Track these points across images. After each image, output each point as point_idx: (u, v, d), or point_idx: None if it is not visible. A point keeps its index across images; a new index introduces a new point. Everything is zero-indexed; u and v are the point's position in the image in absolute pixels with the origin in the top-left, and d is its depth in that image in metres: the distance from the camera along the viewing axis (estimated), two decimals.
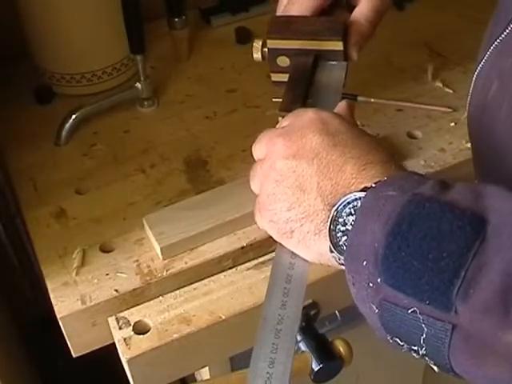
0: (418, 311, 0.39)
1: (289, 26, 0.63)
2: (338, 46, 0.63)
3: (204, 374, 0.85)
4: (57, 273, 0.73)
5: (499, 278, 0.37)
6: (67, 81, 0.98)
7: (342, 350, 0.70)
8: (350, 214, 0.44)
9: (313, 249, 0.48)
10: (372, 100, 0.93)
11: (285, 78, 0.64)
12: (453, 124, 0.90)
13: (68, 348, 0.73)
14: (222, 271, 0.75)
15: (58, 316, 0.69)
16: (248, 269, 0.74)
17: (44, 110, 0.97)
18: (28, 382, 1.25)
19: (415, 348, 0.41)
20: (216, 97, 0.98)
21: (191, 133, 0.92)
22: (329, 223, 0.45)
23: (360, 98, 0.94)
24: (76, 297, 0.71)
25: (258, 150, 0.54)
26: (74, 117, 0.91)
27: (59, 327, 0.71)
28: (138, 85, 0.94)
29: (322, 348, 0.71)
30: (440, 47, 1.03)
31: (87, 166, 0.87)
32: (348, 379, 0.77)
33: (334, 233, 0.45)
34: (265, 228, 0.52)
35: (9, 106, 0.97)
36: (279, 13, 0.67)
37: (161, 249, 0.73)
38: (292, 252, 0.51)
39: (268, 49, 0.64)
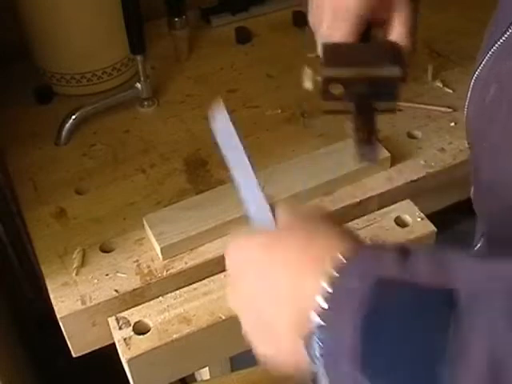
0: None
1: (343, 53, 0.61)
2: (396, 72, 0.60)
3: (204, 374, 0.85)
4: (57, 273, 0.73)
5: (483, 365, 0.34)
6: (67, 81, 0.98)
7: None
8: (322, 326, 0.40)
9: (293, 363, 0.46)
10: None
11: (337, 106, 0.61)
12: (453, 124, 0.90)
13: (68, 348, 0.73)
14: (222, 271, 0.75)
15: (58, 316, 0.69)
16: None
17: (44, 110, 0.97)
18: (28, 382, 1.25)
19: None
20: (216, 97, 0.98)
21: (191, 133, 0.92)
22: (304, 343, 0.42)
23: None
24: (76, 297, 0.71)
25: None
26: (73, 117, 0.91)
27: (59, 327, 0.71)
28: (138, 85, 0.94)
29: None
30: (440, 47, 1.03)
31: (87, 166, 0.87)
32: None
33: (310, 351, 0.42)
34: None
35: (9, 106, 0.97)
36: (320, 38, 0.64)
37: (161, 249, 0.73)
38: None
39: (323, 77, 0.60)
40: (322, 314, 0.40)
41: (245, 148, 0.57)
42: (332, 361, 0.40)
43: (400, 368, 0.36)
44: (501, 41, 0.53)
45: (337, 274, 0.40)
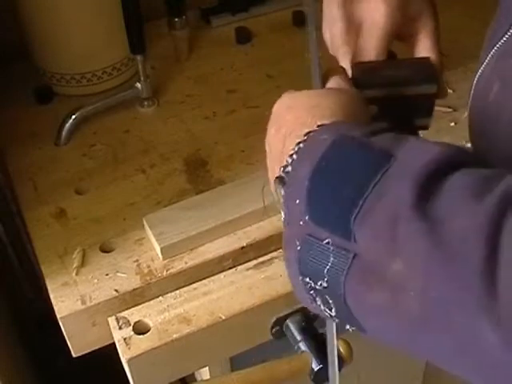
0: (330, 242, 0.42)
1: (375, 73, 0.60)
2: (431, 89, 0.60)
3: (204, 374, 0.85)
4: (57, 273, 0.73)
5: (391, 205, 0.39)
6: (67, 81, 0.98)
7: (342, 349, 0.70)
8: (291, 156, 0.47)
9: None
10: None
11: None
12: (453, 124, 0.90)
13: (68, 348, 0.73)
14: (222, 271, 0.75)
15: (58, 316, 0.69)
16: (248, 269, 0.74)
17: (44, 110, 0.97)
18: (28, 382, 1.25)
19: (319, 283, 0.43)
20: (216, 97, 0.98)
21: (191, 133, 0.92)
22: (280, 169, 0.48)
23: None
24: (76, 297, 0.71)
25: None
26: (73, 117, 0.91)
27: (59, 327, 0.71)
28: (138, 85, 0.94)
29: (322, 348, 0.71)
30: (441, 47, 1.03)
31: (87, 166, 0.87)
32: (348, 379, 0.77)
33: (282, 179, 0.48)
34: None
35: (9, 106, 0.97)
36: (342, 54, 0.64)
37: (161, 249, 0.73)
38: None
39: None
40: (293, 155, 0.47)
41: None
42: (289, 200, 0.46)
43: (329, 206, 0.42)
44: (504, 39, 0.53)
45: (316, 129, 0.47)
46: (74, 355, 0.74)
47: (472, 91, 0.59)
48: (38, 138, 0.91)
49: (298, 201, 0.44)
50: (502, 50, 0.54)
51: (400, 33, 0.63)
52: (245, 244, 0.75)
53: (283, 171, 0.47)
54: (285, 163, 0.47)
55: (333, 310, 0.44)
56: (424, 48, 0.63)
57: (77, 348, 0.73)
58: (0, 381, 0.93)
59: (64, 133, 0.90)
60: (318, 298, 0.44)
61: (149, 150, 0.89)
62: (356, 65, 0.62)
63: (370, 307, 0.41)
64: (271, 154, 0.53)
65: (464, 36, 1.03)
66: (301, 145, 0.47)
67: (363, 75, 0.60)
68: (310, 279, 0.44)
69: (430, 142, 0.43)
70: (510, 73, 0.52)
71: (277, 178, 0.48)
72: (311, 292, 0.44)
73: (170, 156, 0.88)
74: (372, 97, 0.59)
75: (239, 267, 0.75)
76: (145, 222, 0.76)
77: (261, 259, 0.75)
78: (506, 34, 0.53)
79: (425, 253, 0.37)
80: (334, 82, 0.56)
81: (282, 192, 0.47)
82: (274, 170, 0.51)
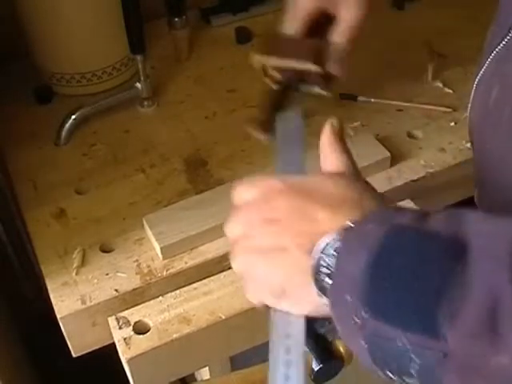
0: (406, 342, 0.38)
1: (281, 46, 0.75)
2: (314, 68, 0.72)
3: (204, 373, 0.85)
4: (57, 273, 0.73)
5: (483, 301, 0.36)
6: (67, 81, 0.98)
7: (342, 349, 0.70)
8: (332, 255, 0.43)
9: (307, 301, 0.48)
10: (372, 100, 0.94)
11: (274, 84, 0.76)
12: (453, 124, 0.90)
13: (68, 348, 0.73)
14: (222, 271, 0.75)
15: (58, 316, 0.69)
16: None
17: (44, 110, 0.97)
18: (28, 382, 1.25)
19: (407, 380, 0.40)
20: (216, 97, 0.98)
21: (191, 133, 0.92)
22: (312, 269, 0.44)
23: (360, 98, 0.94)
24: (76, 297, 0.71)
25: (232, 228, 0.53)
26: (73, 117, 0.91)
27: (59, 327, 0.71)
28: (138, 85, 0.94)
29: (322, 348, 0.71)
30: (440, 47, 1.03)
31: (87, 166, 0.87)
32: (348, 379, 0.77)
33: (319, 277, 0.44)
34: (260, 300, 0.51)
35: (9, 105, 0.97)
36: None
37: (161, 249, 0.73)
38: (287, 320, 0.50)
39: (262, 64, 0.76)
40: (336, 247, 0.43)
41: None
42: (337, 295, 0.42)
43: (405, 305, 0.38)
44: (503, 43, 0.53)
45: (356, 220, 0.43)
46: (74, 355, 0.74)
47: (472, 94, 0.59)
48: (38, 138, 0.91)
49: (349, 297, 0.41)
50: (502, 54, 0.54)
51: (327, 14, 0.72)
52: None
53: (317, 264, 0.44)
54: (320, 256, 0.43)
55: None
56: (335, 31, 0.72)
57: (77, 348, 0.73)
58: (0, 380, 0.93)
59: (64, 133, 0.90)
60: None
61: (149, 150, 0.89)
62: (270, 35, 0.77)
63: None
64: (259, 242, 0.48)
65: (463, 37, 1.03)
66: (338, 243, 0.43)
67: (273, 44, 0.76)
68: (392, 373, 0.41)
69: (492, 219, 0.40)
70: (509, 77, 0.52)
71: (315, 273, 0.44)
72: (397, 381, 0.41)
73: (170, 156, 0.88)
74: (270, 65, 0.75)
75: None
76: (145, 222, 0.76)
77: None
78: (505, 38, 0.53)
79: None
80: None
81: (314, 287, 0.44)
82: (286, 247, 0.47)
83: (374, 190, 0.49)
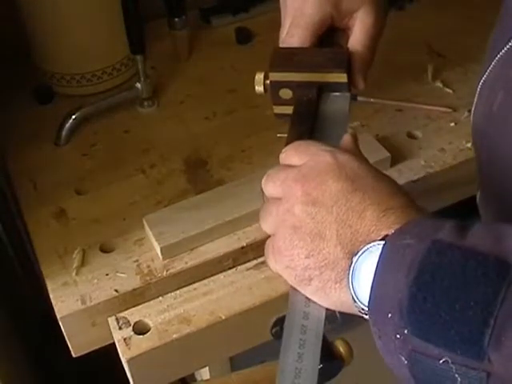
0: (449, 361, 0.39)
1: (291, 58, 0.62)
2: (342, 77, 0.61)
3: (204, 374, 0.85)
4: (57, 273, 0.73)
5: None
6: (67, 81, 0.98)
7: (341, 349, 0.70)
8: (372, 265, 0.43)
9: (333, 297, 0.47)
10: (372, 100, 0.93)
11: (287, 110, 0.62)
12: (453, 124, 0.90)
13: (68, 348, 0.73)
14: (222, 271, 0.75)
15: (58, 316, 0.69)
16: (248, 269, 0.74)
17: (44, 110, 0.97)
18: (28, 382, 1.25)
19: None
20: (216, 97, 0.98)
21: (191, 133, 0.92)
22: (350, 273, 0.44)
23: (360, 98, 0.93)
24: (76, 297, 0.71)
25: (272, 189, 0.51)
26: (73, 117, 0.91)
27: (59, 327, 0.71)
28: (138, 85, 0.94)
29: (322, 348, 0.71)
30: (440, 47, 1.03)
31: (87, 166, 0.87)
32: (348, 379, 0.77)
33: (353, 283, 0.45)
34: (280, 273, 0.50)
35: (9, 106, 0.97)
36: (280, 44, 0.66)
37: (161, 249, 0.73)
38: (306, 301, 0.49)
39: (270, 81, 0.62)
40: (377, 269, 0.42)
41: None
42: (378, 312, 0.42)
43: (448, 324, 0.38)
44: (507, 47, 0.53)
45: (395, 231, 0.43)
46: (74, 355, 0.74)
47: (475, 99, 0.59)
48: (38, 138, 0.91)
49: (390, 314, 0.41)
50: (506, 58, 0.53)
51: (337, 25, 0.65)
52: (245, 244, 0.75)
53: (354, 269, 0.44)
54: (358, 262, 0.43)
55: None
56: (355, 40, 0.65)
57: (77, 348, 0.73)
58: (0, 381, 0.93)
59: (64, 133, 0.90)
60: None
61: (149, 150, 0.89)
62: (276, 49, 0.64)
63: None
64: (299, 220, 0.47)
65: (463, 37, 1.03)
66: (377, 245, 0.43)
67: (280, 59, 0.63)
68: None
69: None
70: None
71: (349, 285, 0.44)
72: None
73: (170, 156, 0.88)
74: (286, 81, 0.61)
75: (239, 267, 0.75)
76: (145, 222, 0.76)
77: (261, 259, 0.75)
78: (509, 42, 0.52)
79: None
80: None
81: (349, 290, 0.44)
82: (322, 238, 0.46)
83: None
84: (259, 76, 0.64)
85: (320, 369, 0.69)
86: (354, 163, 0.48)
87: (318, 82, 0.61)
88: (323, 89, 0.62)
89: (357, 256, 0.44)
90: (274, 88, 0.62)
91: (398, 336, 0.40)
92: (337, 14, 0.64)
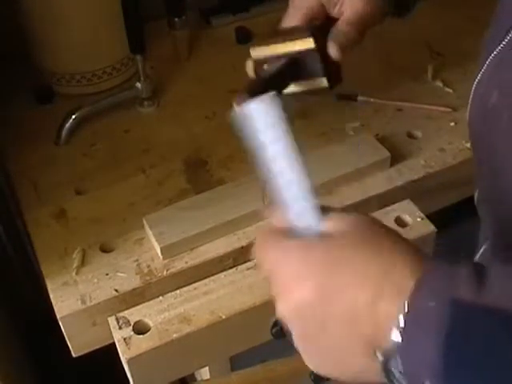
0: None
1: (274, 36, 0.66)
2: (309, 42, 0.63)
3: (204, 374, 0.85)
4: (57, 273, 0.73)
5: None
6: (67, 81, 0.98)
7: None
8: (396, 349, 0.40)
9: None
10: (372, 100, 0.94)
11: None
12: (453, 124, 0.90)
13: (68, 348, 0.73)
14: (222, 271, 0.75)
15: (58, 316, 0.69)
16: (248, 268, 0.74)
17: (44, 110, 0.97)
18: (28, 382, 1.25)
19: None
20: (216, 97, 0.98)
21: (191, 133, 0.92)
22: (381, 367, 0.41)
23: (360, 98, 0.94)
24: (76, 297, 0.71)
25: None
26: (73, 117, 0.91)
27: (59, 327, 0.71)
28: (138, 85, 0.94)
29: None
30: (440, 47, 1.03)
31: (87, 165, 0.87)
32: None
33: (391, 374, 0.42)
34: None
35: (9, 106, 0.97)
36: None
37: (161, 249, 0.73)
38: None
39: (254, 61, 0.67)
40: (401, 332, 0.39)
41: (292, 140, 0.46)
42: (413, 380, 0.39)
43: None
44: (500, 47, 0.53)
45: (412, 294, 0.39)
46: (73, 355, 0.74)
47: (471, 99, 0.59)
48: (38, 137, 0.91)
49: (428, 382, 0.38)
50: (500, 58, 0.53)
51: (332, 15, 0.68)
52: (245, 244, 0.75)
53: (382, 353, 0.40)
54: (388, 335, 0.40)
55: None
56: (341, 19, 0.67)
57: (77, 348, 0.73)
58: (0, 381, 0.93)
59: (64, 133, 0.90)
60: None
61: (149, 150, 0.89)
62: (268, 32, 0.68)
63: None
64: (334, 331, 0.42)
65: (463, 37, 1.03)
66: (401, 317, 0.39)
67: (265, 37, 0.67)
68: None
69: None
70: (508, 82, 0.52)
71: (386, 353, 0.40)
72: None
73: (170, 156, 0.88)
74: (265, 55, 0.66)
75: (239, 267, 0.75)
76: (145, 222, 0.76)
77: None
78: (502, 42, 0.53)
79: None
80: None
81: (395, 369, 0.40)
82: (340, 341, 0.43)
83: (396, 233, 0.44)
84: (248, 62, 0.69)
85: None
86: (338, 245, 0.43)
87: (290, 53, 0.64)
88: (299, 65, 0.64)
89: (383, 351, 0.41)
90: (258, 67, 0.66)
91: None
92: (327, 1, 0.67)
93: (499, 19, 0.56)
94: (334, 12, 0.67)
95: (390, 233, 0.44)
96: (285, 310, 0.45)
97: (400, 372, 0.40)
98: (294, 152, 0.45)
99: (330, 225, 0.44)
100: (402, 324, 0.39)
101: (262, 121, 0.47)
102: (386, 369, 0.41)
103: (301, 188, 0.45)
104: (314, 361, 0.46)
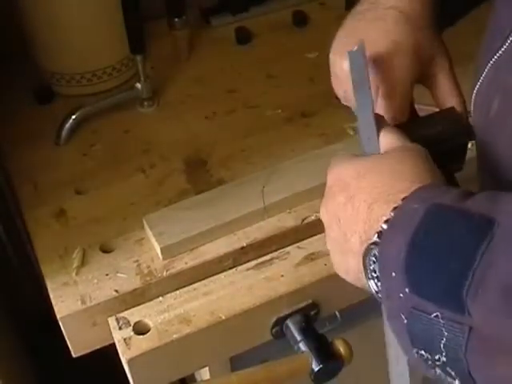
0: (439, 315, 0.40)
1: (408, 134, 0.58)
2: (466, 139, 0.61)
3: (204, 374, 0.85)
4: (57, 273, 0.73)
5: (503, 276, 0.37)
6: (67, 81, 0.98)
7: (341, 350, 0.70)
8: (381, 226, 0.46)
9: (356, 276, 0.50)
10: None
11: None
12: None
13: (68, 348, 0.73)
14: (222, 271, 0.75)
15: (58, 316, 0.69)
16: (248, 269, 0.74)
17: (44, 110, 0.97)
18: (28, 382, 1.25)
19: (437, 357, 0.41)
20: (216, 97, 0.98)
21: (191, 133, 0.92)
22: (363, 250, 0.47)
23: None
24: (76, 297, 0.71)
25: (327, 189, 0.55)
26: (73, 117, 0.91)
27: (59, 327, 0.71)
28: (138, 85, 0.94)
29: (322, 348, 0.71)
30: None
31: (87, 165, 0.87)
32: (348, 379, 0.77)
33: (368, 255, 0.47)
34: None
35: (9, 106, 0.97)
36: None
37: (161, 249, 0.73)
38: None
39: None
40: (382, 233, 0.45)
41: (370, 88, 0.58)
42: (384, 273, 0.44)
43: (435, 278, 0.41)
44: (499, 52, 0.52)
45: (402, 200, 0.45)
46: (73, 355, 0.74)
47: (472, 104, 0.58)
48: (38, 137, 0.91)
49: (394, 274, 0.43)
50: (499, 64, 0.53)
51: (418, 78, 0.63)
52: (245, 244, 0.75)
53: (372, 243, 0.46)
54: (374, 234, 0.46)
55: (457, 381, 0.42)
56: (445, 91, 0.64)
57: (77, 348, 0.73)
58: (0, 381, 0.93)
59: (64, 133, 0.90)
60: (437, 370, 0.42)
61: (149, 150, 0.89)
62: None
63: (499, 380, 0.39)
64: (342, 223, 0.50)
65: (463, 37, 1.03)
66: (391, 214, 0.45)
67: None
68: (425, 352, 0.42)
69: None
70: (511, 88, 0.51)
71: (366, 249, 0.47)
72: (429, 363, 0.42)
73: (170, 156, 0.88)
74: None
75: (239, 267, 0.75)
76: (145, 222, 0.76)
77: (261, 259, 0.75)
78: (502, 47, 0.52)
79: None
80: (390, 139, 0.54)
81: (371, 263, 0.46)
82: (345, 237, 0.50)
83: (436, 168, 0.50)
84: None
85: (320, 369, 0.70)
86: (351, 169, 0.52)
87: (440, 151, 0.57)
88: (442, 154, 0.58)
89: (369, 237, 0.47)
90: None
91: (401, 295, 0.42)
92: (420, 66, 0.63)
93: (496, 25, 0.55)
94: (424, 73, 0.64)
95: (421, 168, 0.49)
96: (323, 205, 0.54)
97: (374, 262, 0.46)
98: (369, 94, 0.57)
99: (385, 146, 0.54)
100: (384, 226, 0.45)
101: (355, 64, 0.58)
102: (367, 270, 0.47)
103: (369, 123, 0.57)
104: (333, 259, 0.54)
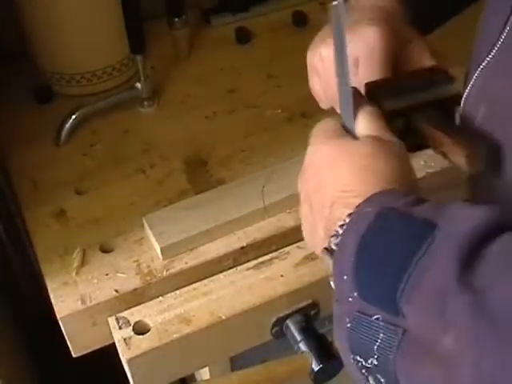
0: (380, 318, 0.41)
1: (390, 86, 0.59)
2: (454, 89, 0.58)
3: (204, 374, 0.85)
4: (57, 273, 0.73)
5: (437, 279, 0.38)
6: (67, 81, 0.98)
7: None
8: (339, 229, 0.46)
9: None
10: None
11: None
12: None
13: (68, 348, 0.73)
14: (222, 271, 0.75)
15: (58, 316, 0.69)
16: (248, 269, 0.74)
17: (44, 110, 0.97)
18: (28, 382, 1.25)
19: (369, 361, 0.42)
20: (216, 97, 0.98)
21: (191, 133, 0.92)
22: (328, 241, 0.48)
23: None
24: (76, 297, 0.71)
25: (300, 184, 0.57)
26: (73, 117, 0.91)
27: (59, 327, 0.71)
28: (138, 85, 0.94)
29: (322, 348, 0.71)
30: (440, 47, 1.03)
31: (87, 165, 0.87)
32: (348, 379, 0.77)
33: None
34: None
35: (9, 106, 0.97)
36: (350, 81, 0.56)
37: (161, 249, 0.73)
38: None
39: (386, 111, 0.56)
40: (338, 237, 0.46)
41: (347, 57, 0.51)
42: (338, 277, 0.44)
43: (376, 281, 0.41)
44: (487, 59, 0.52)
45: (357, 207, 0.46)
46: (73, 355, 0.74)
47: (461, 111, 0.58)
48: (38, 137, 0.91)
49: (345, 277, 0.43)
50: (487, 71, 0.53)
51: (397, 58, 0.63)
52: (245, 244, 0.75)
53: (332, 243, 0.46)
54: (333, 235, 0.46)
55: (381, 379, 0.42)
56: (425, 59, 0.64)
57: (77, 348, 0.73)
58: (0, 380, 0.93)
59: (64, 133, 0.90)
60: (370, 377, 0.43)
61: (149, 150, 0.89)
62: (368, 84, 0.59)
63: (421, 382, 0.39)
64: (313, 210, 0.51)
65: (463, 37, 1.03)
66: (346, 220, 0.46)
67: (379, 89, 0.58)
68: (360, 357, 0.42)
69: (472, 207, 0.41)
70: (498, 94, 0.51)
71: (325, 249, 0.47)
72: (363, 371, 0.43)
73: (170, 156, 0.88)
74: (393, 109, 0.56)
75: (239, 267, 0.75)
76: (145, 222, 0.76)
77: (261, 259, 0.75)
78: (489, 54, 0.52)
79: (471, 326, 0.36)
80: (368, 124, 0.52)
81: (331, 265, 0.46)
82: (314, 223, 0.51)
83: (410, 165, 0.50)
84: None
85: (320, 369, 0.70)
86: (320, 162, 0.52)
87: (426, 103, 0.57)
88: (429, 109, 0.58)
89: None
90: (389, 118, 0.56)
91: (350, 299, 0.43)
92: (397, 44, 0.63)
93: (485, 32, 0.55)
94: (402, 54, 0.64)
95: (391, 166, 0.48)
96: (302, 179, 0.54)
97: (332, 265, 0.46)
98: (347, 61, 0.51)
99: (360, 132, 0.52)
100: (340, 230, 0.46)
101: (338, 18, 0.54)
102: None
103: (346, 95, 0.52)
104: (304, 233, 0.55)
